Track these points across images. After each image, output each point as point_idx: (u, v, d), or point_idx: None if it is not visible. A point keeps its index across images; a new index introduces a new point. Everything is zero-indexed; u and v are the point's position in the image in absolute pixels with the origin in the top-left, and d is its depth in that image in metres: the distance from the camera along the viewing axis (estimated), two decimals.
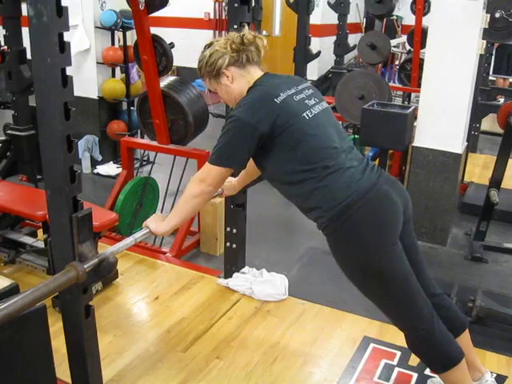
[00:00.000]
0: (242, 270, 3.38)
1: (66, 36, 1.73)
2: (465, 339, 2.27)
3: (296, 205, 2.13)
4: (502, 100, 7.32)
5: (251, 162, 2.15)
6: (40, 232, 3.49)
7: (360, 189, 1.97)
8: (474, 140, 6.28)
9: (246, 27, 2.23)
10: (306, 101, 2.08)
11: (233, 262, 3.37)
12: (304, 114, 2.02)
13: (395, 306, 2.13)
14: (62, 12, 1.68)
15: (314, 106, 2.08)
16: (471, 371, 2.27)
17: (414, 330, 2.12)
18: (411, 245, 2.18)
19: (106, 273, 1.96)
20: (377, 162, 4.89)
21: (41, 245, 3.24)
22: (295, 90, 2.08)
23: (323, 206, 2.00)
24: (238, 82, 2.13)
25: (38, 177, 3.98)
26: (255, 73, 2.14)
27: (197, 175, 2.09)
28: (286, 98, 2.01)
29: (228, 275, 3.37)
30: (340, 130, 2.14)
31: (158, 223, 2.18)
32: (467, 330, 2.29)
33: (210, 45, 2.15)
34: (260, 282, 3.24)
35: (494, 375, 2.41)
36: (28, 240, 3.34)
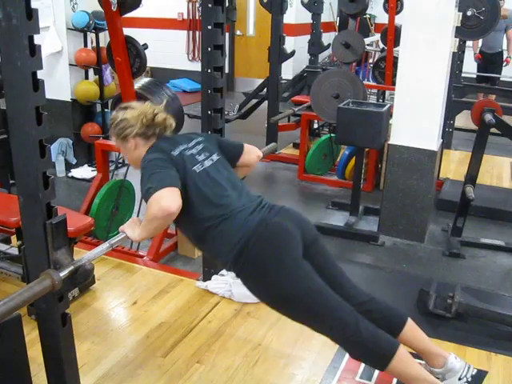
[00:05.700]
0: (221, 272, 3.36)
1: (38, 38, 1.69)
2: (411, 331, 2.29)
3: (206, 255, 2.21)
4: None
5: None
6: (14, 238, 3.43)
7: (250, 227, 2.11)
8: (448, 136, 6.33)
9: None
10: (196, 156, 2.24)
11: (211, 265, 3.35)
12: (194, 168, 2.19)
13: (318, 322, 2.19)
14: (31, 15, 1.64)
15: (204, 161, 2.24)
16: (432, 359, 2.30)
17: (344, 339, 2.16)
18: (326, 261, 2.28)
19: (82, 280, 1.93)
20: (353, 160, 4.93)
21: (15, 252, 3.17)
22: (187, 145, 2.26)
23: (224, 252, 2.15)
24: (141, 149, 2.28)
25: (11, 182, 3.91)
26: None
27: (150, 202, 2.01)
28: (180, 152, 2.20)
29: (207, 278, 3.35)
30: (232, 180, 2.29)
31: (134, 229, 2.16)
32: (410, 322, 2.30)
33: (125, 108, 2.32)
34: (239, 284, 3.16)
35: (475, 370, 2.42)
36: (1, 247, 3.27)
